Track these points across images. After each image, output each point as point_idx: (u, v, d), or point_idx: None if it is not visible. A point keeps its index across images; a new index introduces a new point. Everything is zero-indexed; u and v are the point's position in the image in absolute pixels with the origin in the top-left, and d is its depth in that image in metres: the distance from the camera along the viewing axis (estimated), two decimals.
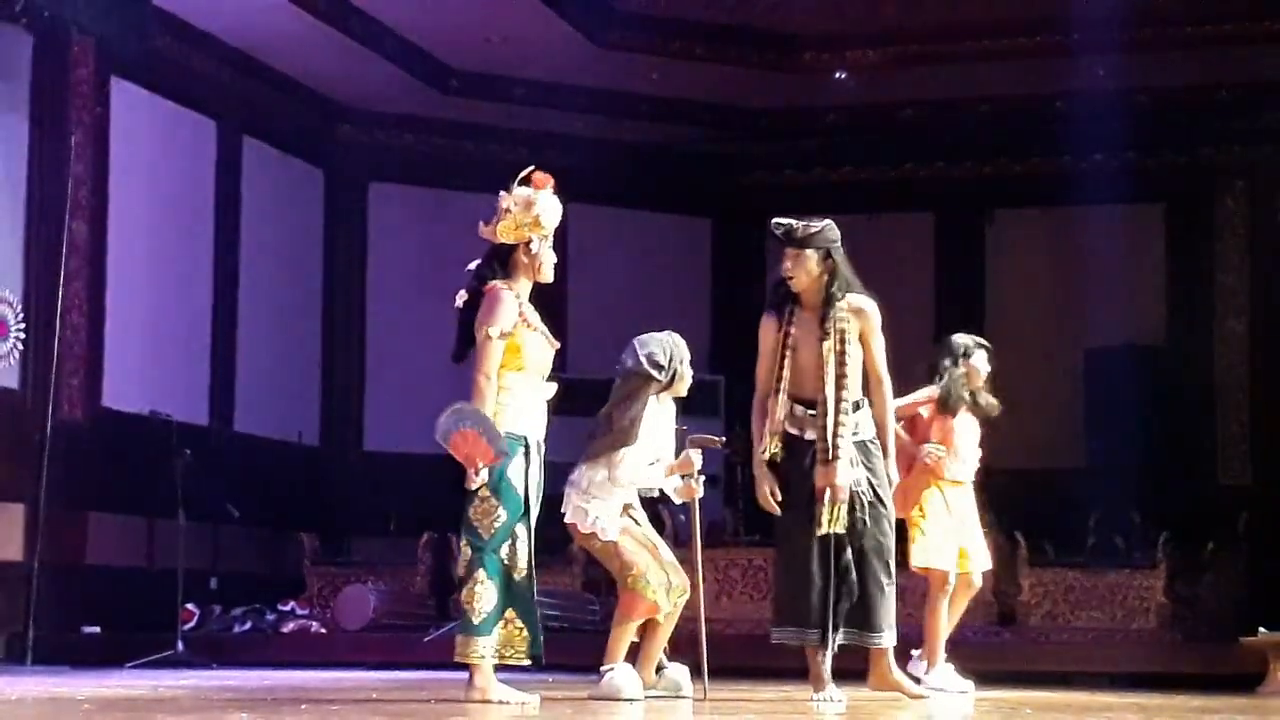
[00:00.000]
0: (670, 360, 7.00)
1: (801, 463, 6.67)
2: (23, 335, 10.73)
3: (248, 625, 11.89)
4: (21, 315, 10.75)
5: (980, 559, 8.05)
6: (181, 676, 8.96)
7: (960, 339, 8.20)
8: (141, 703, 6.41)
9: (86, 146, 11.51)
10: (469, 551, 6.31)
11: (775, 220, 6.84)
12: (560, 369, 16.33)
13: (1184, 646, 10.65)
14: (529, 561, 6.36)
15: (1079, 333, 13.87)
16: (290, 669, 9.99)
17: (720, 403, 14.87)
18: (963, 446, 8.01)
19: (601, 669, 6.85)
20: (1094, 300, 13.97)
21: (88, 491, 11.36)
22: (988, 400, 8.11)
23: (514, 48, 13.36)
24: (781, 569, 6.90)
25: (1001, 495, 8.73)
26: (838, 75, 13.85)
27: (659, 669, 7.17)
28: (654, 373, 6.96)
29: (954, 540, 7.89)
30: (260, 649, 11.27)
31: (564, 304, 14.92)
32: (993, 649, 10.33)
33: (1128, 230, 14.05)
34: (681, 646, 7.24)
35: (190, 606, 11.32)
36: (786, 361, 6.75)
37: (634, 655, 7.04)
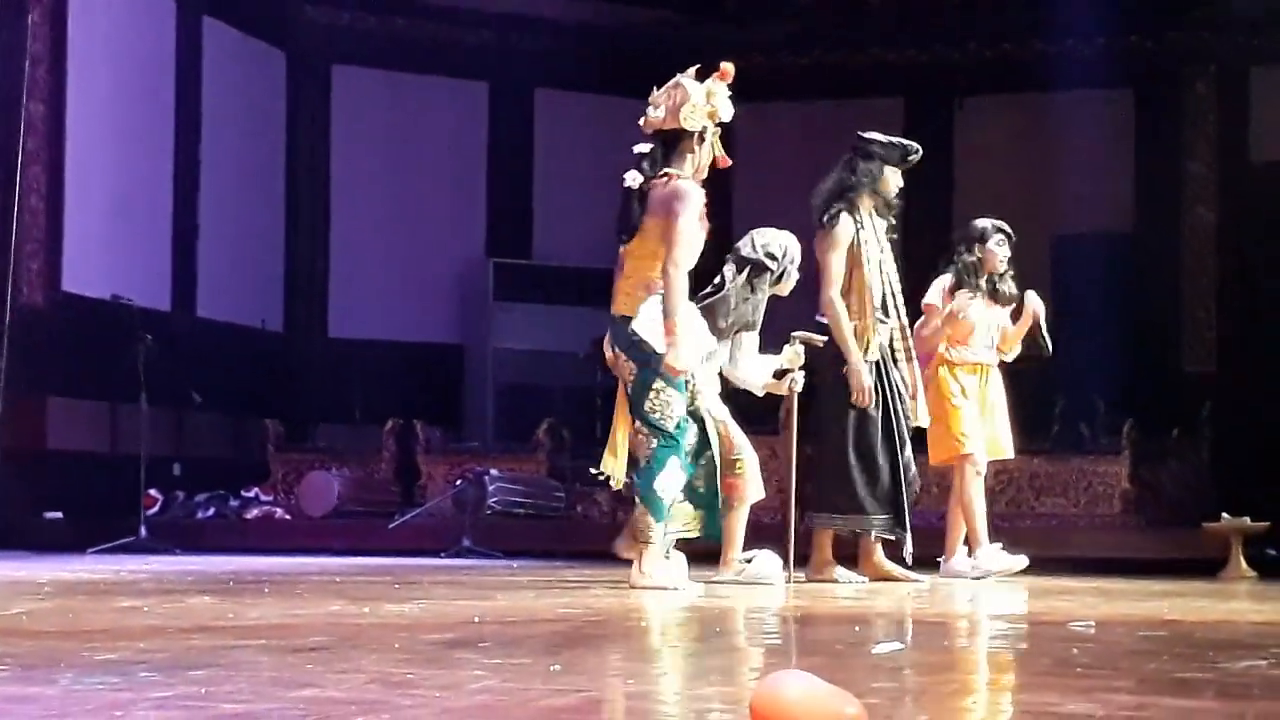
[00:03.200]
0: (783, 256, 7.12)
1: (877, 366, 7.28)
2: None
3: (211, 511, 11.87)
4: None
5: (1004, 445, 7.96)
6: (144, 562, 8.95)
7: (979, 223, 8.08)
8: (103, 586, 6.39)
9: (43, 26, 11.32)
10: (654, 442, 6.34)
11: (899, 139, 7.52)
12: (526, 255, 16.26)
13: (1147, 532, 10.70)
14: (708, 444, 6.57)
15: (1048, 220, 13.81)
16: (254, 555, 9.98)
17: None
18: (980, 332, 7.89)
19: (733, 559, 6.90)
20: (1063, 187, 13.92)
21: (48, 376, 11.27)
22: (1008, 288, 7.99)
23: None
24: (853, 463, 7.30)
25: None
26: None
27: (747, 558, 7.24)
28: (768, 262, 7.07)
29: (977, 425, 7.79)
30: (224, 535, 11.26)
31: (529, 190, 14.83)
32: None
33: (1097, 117, 13.98)
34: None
35: (153, 492, 11.28)
36: (868, 270, 7.29)
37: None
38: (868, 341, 7.30)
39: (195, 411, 12.08)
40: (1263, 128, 13.95)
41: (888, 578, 7.31)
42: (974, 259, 7.94)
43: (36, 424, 11.29)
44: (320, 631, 4.15)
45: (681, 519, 6.58)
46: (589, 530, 11.06)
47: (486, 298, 14.09)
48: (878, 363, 7.32)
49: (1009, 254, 8.02)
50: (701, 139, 6.45)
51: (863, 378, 7.22)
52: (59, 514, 11.14)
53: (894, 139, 7.57)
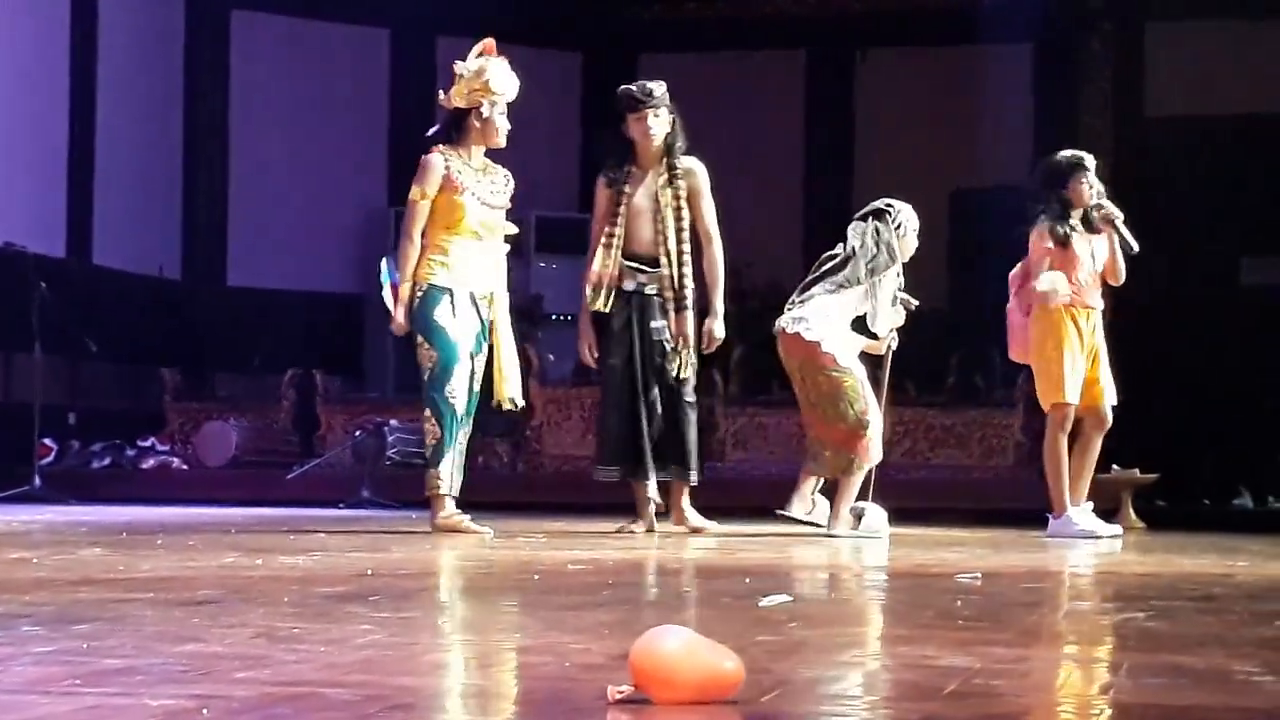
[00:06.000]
0: (898, 211, 7.59)
1: (631, 315, 7.18)
2: None
3: (107, 461, 11.78)
4: None
5: (1109, 391, 7.75)
6: (38, 512, 8.87)
7: (1059, 158, 7.80)
8: None
9: None
10: (424, 392, 6.95)
11: (629, 87, 7.36)
12: None
13: (1039, 483, 10.83)
14: (466, 403, 6.90)
15: (945, 173, 13.91)
16: (150, 505, 9.92)
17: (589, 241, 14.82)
18: (1084, 272, 7.67)
19: (850, 510, 7.29)
20: (961, 141, 14.01)
21: None
22: (1104, 211, 7.70)
23: None
24: (604, 412, 7.44)
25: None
26: None
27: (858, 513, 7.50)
28: (886, 209, 7.56)
29: (1079, 372, 7.63)
30: (120, 485, 11.18)
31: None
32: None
33: (996, 71, 14.08)
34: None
35: (48, 442, 11.18)
36: (620, 220, 7.20)
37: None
38: (606, 291, 7.24)
39: (91, 360, 11.95)
40: (1157, 82, 14.11)
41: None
42: (1059, 203, 7.68)
43: None
44: (210, 584, 4.14)
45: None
46: (489, 482, 11.07)
47: (388, 247, 14.00)
48: (629, 313, 7.24)
49: (1095, 184, 7.75)
50: (479, 115, 6.93)
51: (580, 332, 7.39)
52: None
53: (628, 86, 7.45)
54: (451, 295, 6.87)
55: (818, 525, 7.41)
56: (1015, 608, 3.86)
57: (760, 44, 14.64)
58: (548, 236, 14.19)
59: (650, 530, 7.20)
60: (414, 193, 6.91)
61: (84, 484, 10.95)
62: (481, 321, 6.99)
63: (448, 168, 6.90)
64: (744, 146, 14.39)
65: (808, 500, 7.49)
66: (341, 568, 4.86)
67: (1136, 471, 9.38)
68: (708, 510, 7.56)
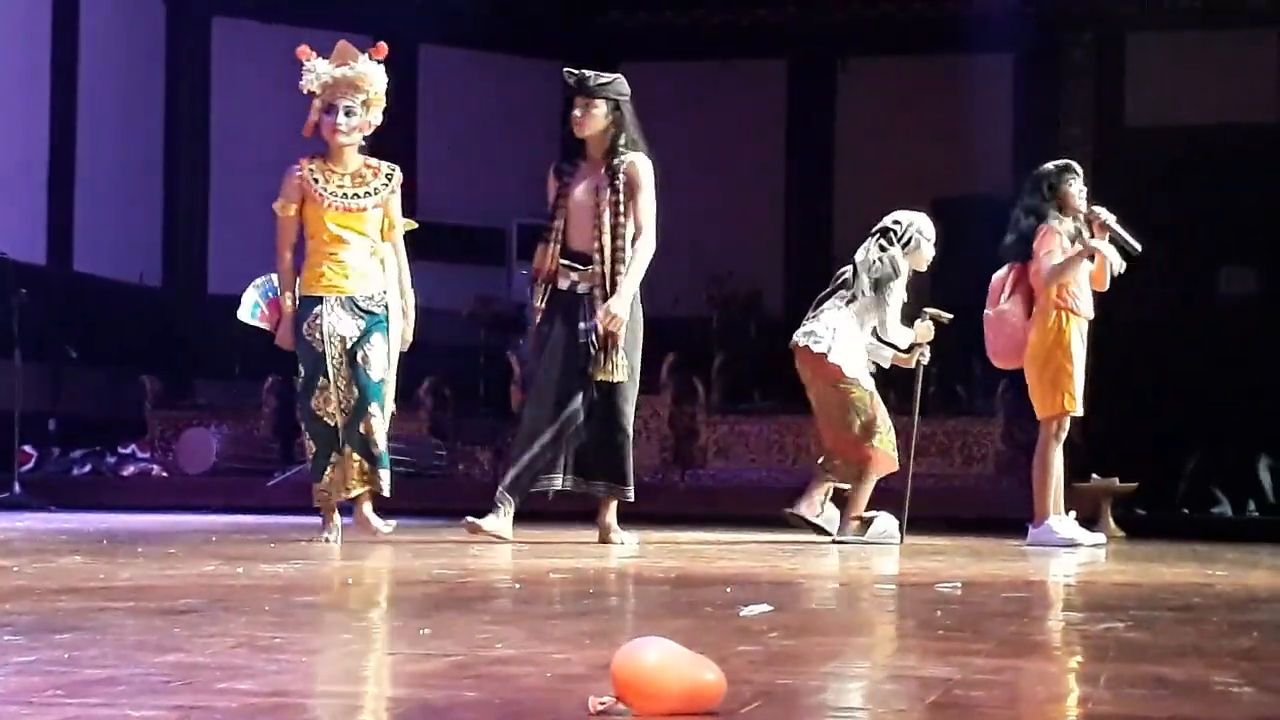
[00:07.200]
0: (908, 226, 7.67)
1: (556, 316, 6.95)
2: None
3: (87, 468, 11.75)
4: None
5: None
6: (18, 519, 8.85)
7: (1044, 170, 7.68)
8: None
9: None
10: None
11: (567, 69, 7.08)
12: (410, 212, 16.19)
13: (1019, 492, 10.86)
14: (349, 403, 6.91)
15: (926, 182, 13.92)
16: (131, 513, 9.89)
17: None
18: (1083, 280, 7.61)
19: (854, 517, 7.44)
20: (942, 149, 14.04)
21: None
22: (1098, 217, 7.55)
23: None
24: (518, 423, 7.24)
25: None
26: None
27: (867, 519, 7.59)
28: (893, 225, 7.64)
29: (1082, 382, 7.57)
30: (100, 492, 11.16)
31: (413, 146, 14.73)
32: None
33: (977, 80, 14.12)
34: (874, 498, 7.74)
35: (28, 448, 11.16)
36: (560, 214, 6.98)
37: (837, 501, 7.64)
38: (542, 287, 7.07)
39: (71, 367, 11.94)
40: (1138, 93, 14.17)
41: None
42: (1051, 205, 7.57)
43: None
44: (191, 593, 4.13)
45: (349, 476, 6.96)
46: (470, 489, 11.06)
47: None
48: (556, 313, 7.01)
49: (1084, 189, 7.65)
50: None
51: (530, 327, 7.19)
52: None
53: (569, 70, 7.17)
54: (323, 302, 6.89)
55: (823, 531, 7.46)
56: (995, 617, 3.87)
57: (742, 53, 14.67)
58: (529, 244, 14.17)
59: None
60: (275, 206, 7.04)
61: (64, 491, 10.92)
62: (369, 316, 6.92)
63: (301, 176, 7.00)
64: (725, 156, 14.43)
65: (816, 504, 7.56)
66: (323, 576, 4.86)
67: (1116, 480, 9.40)
68: (693, 518, 7.58)
